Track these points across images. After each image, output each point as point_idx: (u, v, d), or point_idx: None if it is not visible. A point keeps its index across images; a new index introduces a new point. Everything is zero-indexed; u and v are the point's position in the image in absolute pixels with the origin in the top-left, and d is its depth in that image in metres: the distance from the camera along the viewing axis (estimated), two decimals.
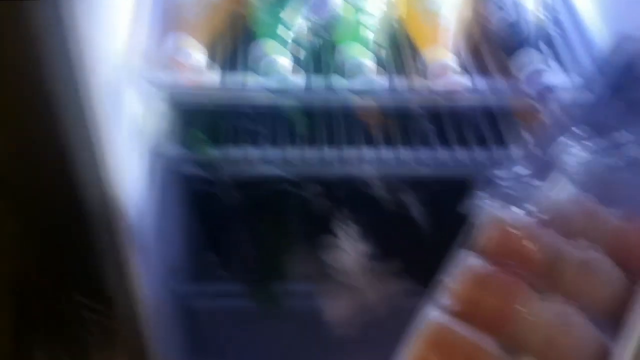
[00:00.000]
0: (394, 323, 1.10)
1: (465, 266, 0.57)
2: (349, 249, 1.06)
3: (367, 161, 0.98)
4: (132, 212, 0.84)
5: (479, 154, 0.97)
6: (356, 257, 1.05)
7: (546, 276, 0.56)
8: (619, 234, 0.59)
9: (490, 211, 0.61)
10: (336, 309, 1.10)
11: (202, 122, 0.96)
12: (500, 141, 0.98)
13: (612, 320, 0.55)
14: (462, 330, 0.54)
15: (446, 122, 1.00)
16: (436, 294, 0.57)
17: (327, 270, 1.13)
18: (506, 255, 0.58)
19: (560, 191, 0.63)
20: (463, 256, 0.58)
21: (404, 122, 0.99)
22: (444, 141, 0.98)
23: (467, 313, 0.55)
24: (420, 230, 1.07)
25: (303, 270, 1.14)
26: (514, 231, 0.59)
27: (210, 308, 1.23)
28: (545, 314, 0.54)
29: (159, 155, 0.94)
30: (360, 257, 1.06)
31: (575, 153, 0.65)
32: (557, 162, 0.65)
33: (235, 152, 0.96)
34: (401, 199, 1.06)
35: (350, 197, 1.08)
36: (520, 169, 0.66)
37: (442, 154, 0.97)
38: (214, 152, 0.96)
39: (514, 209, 0.62)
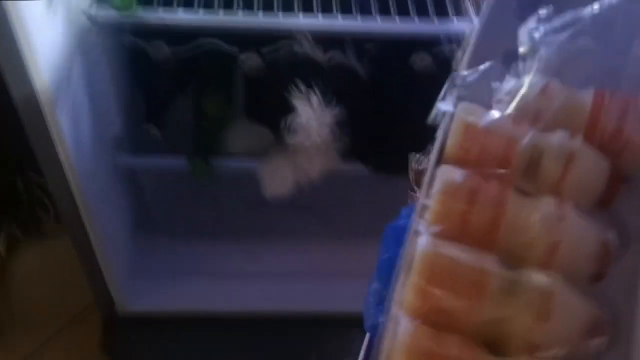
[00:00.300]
0: (328, 188, 1.15)
1: (443, 181, 0.51)
2: (294, 120, 1.02)
3: (304, 28, 0.95)
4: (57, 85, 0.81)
5: (420, 25, 0.94)
6: (301, 129, 1.02)
7: (528, 174, 0.52)
8: (594, 116, 0.54)
9: (458, 115, 0.55)
10: (275, 183, 1.10)
11: None
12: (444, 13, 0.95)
13: (603, 209, 0.51)
14: (459, 253, 0.49)
15: None
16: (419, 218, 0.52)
17: (270, 144, 1.13)
18: (482, 160, 0.53)
19: (526, 81, 0.57)
20: (439, 171, 0.52)
21: None
22: (385, 10, 0.94)
23: (457, 232, 0.50)
24: (365, 91, 1.06)
25: (245, 144, 1.13)
26: (486, 132, 0.53)
27: (153, 182, 1.24)
28: (538, 215, 0.49)
29: (91, 21, 0.89)
30: (305, 130, 1.03)
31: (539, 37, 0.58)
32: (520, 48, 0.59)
33: (167, 15, 0.91)
34: (345, 62, 1.03)
35: (293, 64, 1.06)
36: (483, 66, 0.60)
37: (381, 25, 0.93)
38: (145, 15, 0.91)
39: (480, 108, 0.56)
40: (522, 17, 0.61)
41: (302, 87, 0.99)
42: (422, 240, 0.50)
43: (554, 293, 0.47)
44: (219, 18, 0.91)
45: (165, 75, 1.10)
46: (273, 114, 1.04)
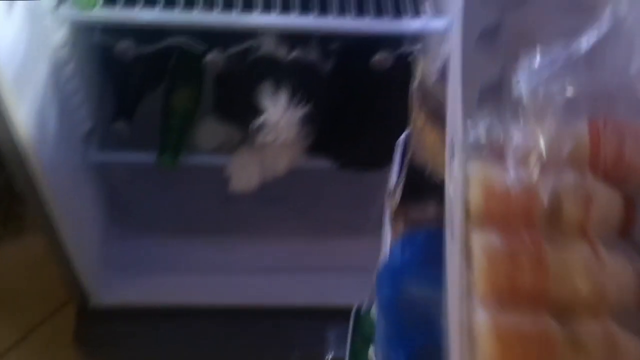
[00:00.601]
0: (300, 182, 1.18)
1: (484, 249, 0.50)
2: (263, 120, 1.04)
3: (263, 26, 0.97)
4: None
5: (376, 24, 0.96)
6: (270, 128, 1.05)
7: (552, 221, 0.51)
8: (594, 147, 0.53)
9: (475, 177, 0.53)
10: (242, 179, 1.13)
11: None
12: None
13: (626, 240, 0.51)
14: (519, 321, 0.48)
15: None
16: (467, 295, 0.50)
17: (238, 141, 1.16)
18: (507, 215, 0.51)
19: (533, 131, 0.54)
20: (473, 238, 0.51)
21: None
22: (341, 8, 0.97)
23: (507, 298, 0.49)
24: (329, 88, 1.08)
25: (213, 141, 1.16)
26: (506, 189, 0.51)
27: (125, 177, 1.26)
28: (579, 262, 0.49)
29: (56, 20, 0.92)
30: (274, 129, 1.05)
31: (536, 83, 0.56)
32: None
33: (128, 13, 0.94)
34: (308, 60, 1.06)
35: (258, 63, 1.08)
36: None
37: (336, 22, 0.95)
38: (108, 14, 0.94)
39: (491, 164, 0.54)
40: (483, 49, 0.61)
41: (270, 87, 1.02)
42: (480, 317, 0.48)
43: (615, 338, 0.48)
44: (177, 16, 0.94)
45: (134, 73, 1.13)
46: (241, 112, 1.07)
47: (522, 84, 0.55)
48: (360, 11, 0.98)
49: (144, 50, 1.03)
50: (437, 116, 0.68)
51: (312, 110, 1.04)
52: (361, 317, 1.16)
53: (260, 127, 1.02)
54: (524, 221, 0.51)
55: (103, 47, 1.07)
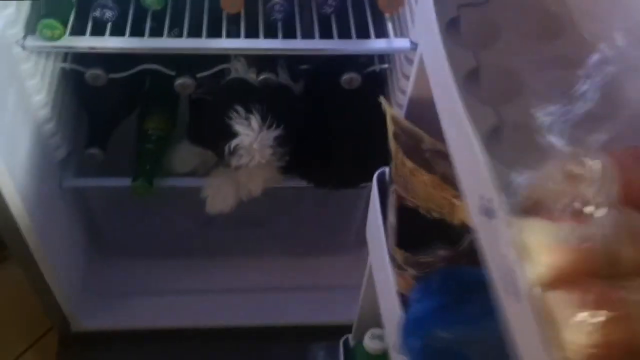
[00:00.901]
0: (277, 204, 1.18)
1: (574, 314, 0.48)
2: (237, 144, 1.05)
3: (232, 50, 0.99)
4: None
5: (341, 44, 0.97)
6: (244, 152, 1.06)
7: (611, 265, 0.50)
8: (625, 180, 0.51)
9: (535, 240, 0.51)
10: (217, 201, 1.14)
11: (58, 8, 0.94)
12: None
13: None
14: None
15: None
16: None
17: (212, 164, 1.17)
18: (574, 271, 0.50)
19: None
20: (554, 301, 0.49)
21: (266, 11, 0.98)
22: (307, 31, 0.98)
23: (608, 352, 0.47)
24: (301, 109, 1.09)
25: (187, 165, 1.17)
26: (566, 246, 0.50)
27: (102, 202, 1.27)
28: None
29: (25, 50, 0.93)
30: (248, 152, 1.06)
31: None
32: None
33: (96, 42, 0.95)
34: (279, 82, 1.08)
35: (229, 87, 1.09)
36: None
37: (303, 43, 0.97)
38: (76, 43, 0.95)
39: (543, 222, 0.52)
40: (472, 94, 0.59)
41: (242, 111, 1.03)
42: None
43: None
44: (145, 42, 0.95)
45: (107, 99, 1.14)
46: (215, 135, 1.07)
47: (551, 131, 0.53)
48: (326, 33, 0.99)
49: (115, 76, 1.04)
50: (422, 158, 0.67)
51: (285, 131, 1.05)
52: (352, 348, 1.16)
53: (234, 150, 1.04)
54: (589, 273, 0.49)
55: (74, 75, 1.08)
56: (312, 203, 1.29)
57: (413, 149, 0.67)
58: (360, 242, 1.38)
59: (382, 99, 0.72)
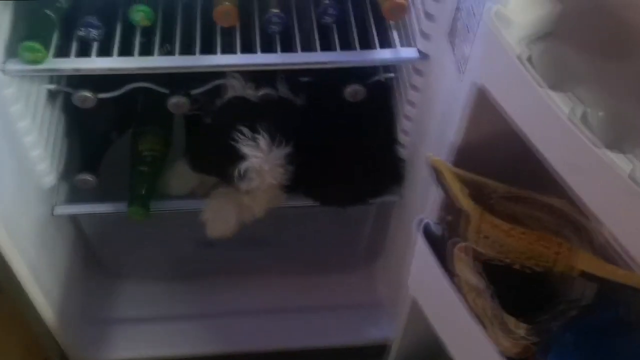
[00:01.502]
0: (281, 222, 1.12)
1: None
2: (245, 167, 0.98)
3: (227, 67, 0.93)
4: None
5: (344, 55, 0.91)
6: (254, 175, 0.99)
7: None
8: None
9: None
10: (218, 224, 1.07)
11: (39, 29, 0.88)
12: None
13: None
14: None
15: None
16: None
17: (211, 183, 1.11)
18: None
19: None
20: None
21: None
22: (309, 44, 0.92)
23: None
24: (303, 124, 1.03)
25: (184, 186, 1.11)
26: None
27: (96, 226, 1.21)
28: None
29: (5, 75, 0.87)
30: (259, 175, 0.99)
31: None
32: None
33: (83, 64, 0.89)
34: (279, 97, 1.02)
35: (227, 104, 1.03)
36: None
37: (302, 56, 0.90)
38: (61, 66, 0.89)
39: None
40: None
41: (247, 131, 0.97)
42: None
43: None
44: (134, 62, 0.89)
45: (97, 120, 1.09)
46: (219, 160, 1.01)
47: None
48: (327, 44, 0.93)
49: (104, 97, 0.98)
50: (486, 204, 0.60)
51: (290, 149, 0.99)
52: None
53: (244, 174, 0.98)
54: None
55: (61, 96, 1.02)
56: (318, 220, 1.23)
57: (476, 199, 0.60)
58: (369, 258, 1.34)
59: (429, 157, 0.64)
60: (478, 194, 0.59)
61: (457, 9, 0.75)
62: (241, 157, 0.97)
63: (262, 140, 0.96)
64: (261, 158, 0.97)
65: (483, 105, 0.57)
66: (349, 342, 1.18)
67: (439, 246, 0.67)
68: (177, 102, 0.98)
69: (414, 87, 0.94)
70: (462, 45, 0.73)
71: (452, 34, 0.78)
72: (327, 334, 1.24)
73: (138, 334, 1.24)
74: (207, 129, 1.05)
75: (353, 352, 1.17)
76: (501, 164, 0.59)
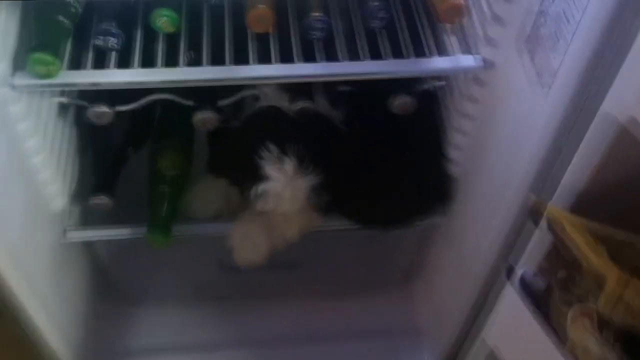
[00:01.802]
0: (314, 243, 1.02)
1: None
2: (265, 187, 0.88)
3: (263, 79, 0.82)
4: None
5: (396, 65, 0.80)
6: (273, 197, 0.89)
7: None
8: None
9: None
10: (247, 250, 0.97)
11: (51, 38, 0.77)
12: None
13: None
14: None
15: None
16: None
17: (238, 204, 1.00)
18: None
19: None
20: None
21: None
22: (354, 52, 0.81)
23: None
24: (342, 139, 0.93)
25: (209, 207, 1.00)
26: None
27: (111, 251, 1.11)
28: None
29: (14, 91, 0.77)
30: (277, 198, 0.89)
31: None
32: None
33: (100, 78, 0.78)
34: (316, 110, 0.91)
35: (258, 117, 0.93)
36: None
37: (348, 66, 0.80)
38: (75, 79, 0.78)
39: None
40: None
41: (274, 150, 0.87)
42: None
43: None
44: (158, 74, 0.79)
45: (112, 136, 0.99)
46: (241, 171, 0.91)
47: None
48: (373, 50, 0.82)
49: (122, 109, 0.88)
50: None
51: (322, 164, 0.89)
52: None
53: (262, 195, 0.87)
54: None
55: (72, 110, 0.92)
56: (352, 240, 1.13)
57: (616, 258, 0.50)
58: (405, 279, 1.24)
59: (537, 202, 0.53)
60: (616, 252, 0.49)
61: (540, 12, 0.64)
62: (263, 176, 0.87)
63: (289, 163, 0.86)
64: (283, 183, 0.87)
65: (624, 141, 0.47)
66: None
67: (537, 300, 0.56)
68: (204, 118, 0.88)
69: (472, 99, 0.84)
70: (548, 55, 0.63)
71: (530, 41, 0.67)
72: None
73: None
74: (233, 134, 0.95)
75: None
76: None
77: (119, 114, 0.88)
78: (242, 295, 1.17)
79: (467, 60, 0.79)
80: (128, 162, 1.01)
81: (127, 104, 0.88)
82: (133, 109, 0.88)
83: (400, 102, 0.88)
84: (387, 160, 0.94)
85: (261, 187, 0.86)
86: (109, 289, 1.15)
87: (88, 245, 1.09)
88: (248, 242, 0.97)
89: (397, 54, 0.81)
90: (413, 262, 1.18)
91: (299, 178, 0.86)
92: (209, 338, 1.15)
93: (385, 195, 0.96)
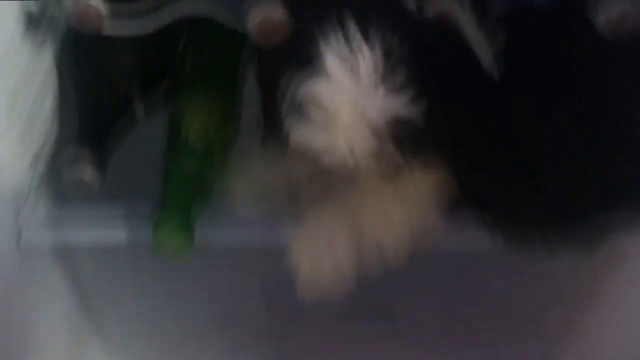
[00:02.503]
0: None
1: None
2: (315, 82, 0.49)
3: None
4: None
5: None
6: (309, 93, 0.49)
7: None
8: None
9: None
10: (320, 270, 0.58)
11: None
12: None
13: None
14: None
15: None
16: None
17: (308, 200, 0.61)
18: None
19: None
20: None
21: None
22: None
23: None
24: (491, 82, 0.53)
25: (258, 189, 0.61)
26: None
27: (94, 266, 0.73)
28: None
29: None
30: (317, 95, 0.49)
31: None
32: None
33: None
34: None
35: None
36: None
37: None
38: None
39: None
40: None
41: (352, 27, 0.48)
42: None
43: None
44: None
45: (109, 72, 0.62)
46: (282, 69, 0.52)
47: None
48: None
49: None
50: None
51: (449, 126, 0.51)
52: None
53: (302, 108, 0.49)
54: None
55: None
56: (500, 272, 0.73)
57: None
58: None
59: None
60: None
61: None
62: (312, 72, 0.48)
63: (369, 55, 0.48)
64: (343, 53, 0.48)
65: None
66: None
67: None
68: (264, 18, 0.49)
69: None
70: None
71: None
72: None
73: None
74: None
75: None
76: None
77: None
78: (297, 346, 0.77)
79: None
80: (130, 120, 0.63)
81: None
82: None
83: (612, 16, 0.50)
84: (569, 121, 0.55)
85: (305, 88, 0.48)
86: (89, 315, 0.77)
87: (62, 257, 0.70)
88: (324, 257, 0.57)
89: None
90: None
91: (385, 75, 0.47)
92: None
93: (563, 192, 0.56)
